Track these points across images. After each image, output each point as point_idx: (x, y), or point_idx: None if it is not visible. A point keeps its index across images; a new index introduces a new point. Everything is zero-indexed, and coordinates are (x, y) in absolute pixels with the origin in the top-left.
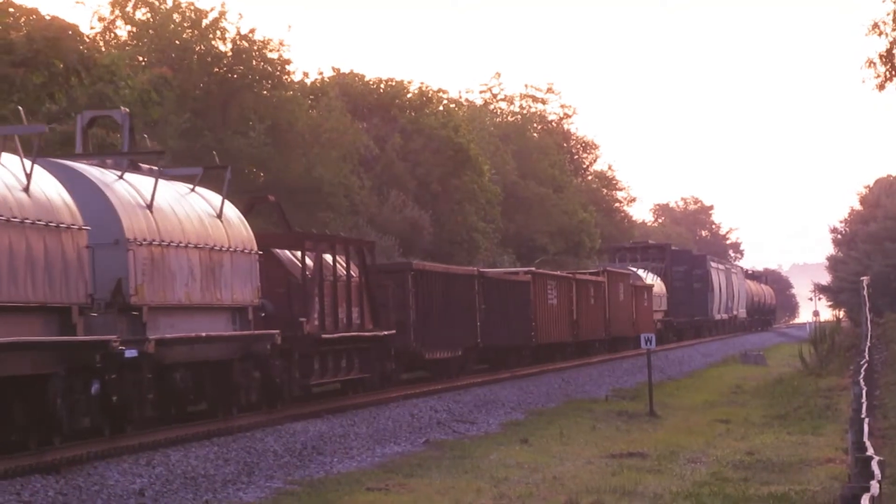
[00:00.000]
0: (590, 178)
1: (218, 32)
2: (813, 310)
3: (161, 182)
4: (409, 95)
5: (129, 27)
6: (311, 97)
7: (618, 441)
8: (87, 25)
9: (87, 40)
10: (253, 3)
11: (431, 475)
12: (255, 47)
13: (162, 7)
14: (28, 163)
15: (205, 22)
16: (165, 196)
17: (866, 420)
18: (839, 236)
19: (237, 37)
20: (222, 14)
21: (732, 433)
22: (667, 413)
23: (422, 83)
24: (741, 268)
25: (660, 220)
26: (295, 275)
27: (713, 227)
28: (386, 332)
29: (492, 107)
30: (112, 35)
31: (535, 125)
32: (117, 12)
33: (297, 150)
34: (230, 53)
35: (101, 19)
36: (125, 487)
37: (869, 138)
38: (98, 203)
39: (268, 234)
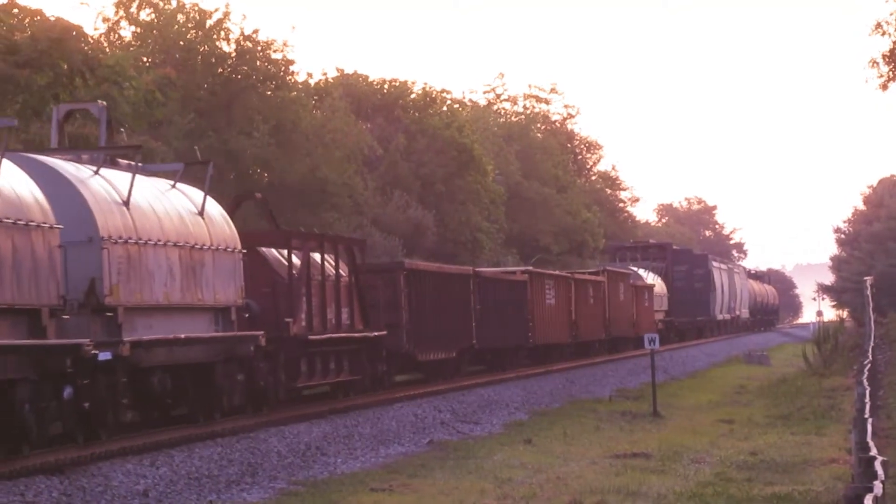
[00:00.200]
0: (593, 178)
1: (222, 33)
2: (816, 310)
3: (140, 178)
4: (412, 96)
5: (133, 28)
6: (315, 98)
7: (621, 441)
8: (92, 26)
9: (92, 41)
10: (257, 3)
11: (435, 475)
12: (259, 48)
13: (166, 8)
14: None
15: (209, 22)
16: (144, 192)
17: (870, 420)
18: (843, 236)
19: (241, 37)
20: (226, 15)
21: (736, 433)
22: (670, 413)
23: (425, 84)
24: (744, 267)
25: (663, 221)
26: (281, 274)
27: (717, 227)
28: (377, 333)
29: (495, 107)
30: (116, 36)
31: (538, 125)
32: (121, 13)
33: (301, 150)
34: (234, 54)
35: (105, 20)
36: (129, 488)
37: (872, 138)
38: (71, 200)
39: (253, 233)
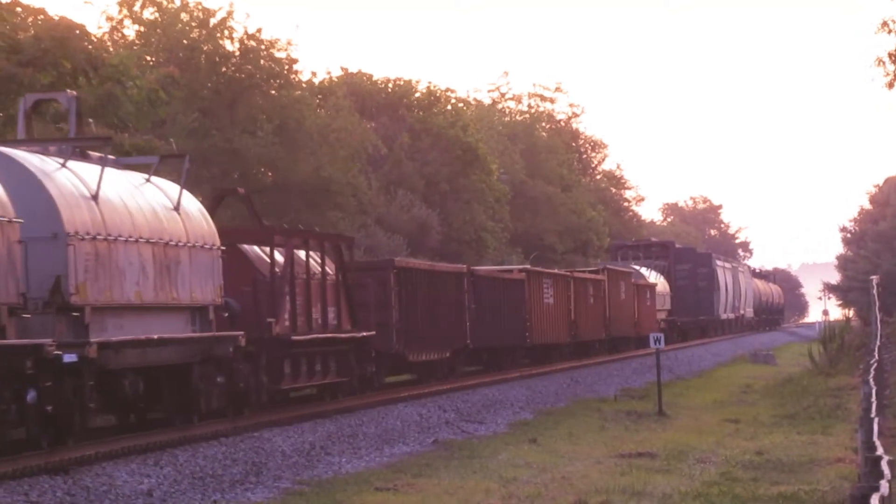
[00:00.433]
0: (598, 177)
1: (226, 32)
2: (822, 309)
3: (112, 171)
4: (417, 95)
5: (136, 27)
6: (319, 96)
7: (627, 441)
8: (95, 25)
9: (95, 40)
10: (260, 2)
11: (440, 475)
12: (263, 47)
13: (169, 7)
14: None
15: (212, 21)
16: (115, 186)
17: (876, 419)
18: (849, 235)
19: (245, 36)
20: (230, 13)
21: (742, 433)
22: (676, 413)
23: (430, 82)
24: (748, 266)
25: (669, 220)
26: (263, 272)
27: (722, 226)
28: (365, 334)
29: (500, 106)
30: (120, 35)
31: (543, 124)
32: (125, 12)
33: (305, 149)
34: (238, 53)
35: (108, 19)
36: (133, 488)
37: (878, 137)
38: (34, 193)
39: (234, 229)
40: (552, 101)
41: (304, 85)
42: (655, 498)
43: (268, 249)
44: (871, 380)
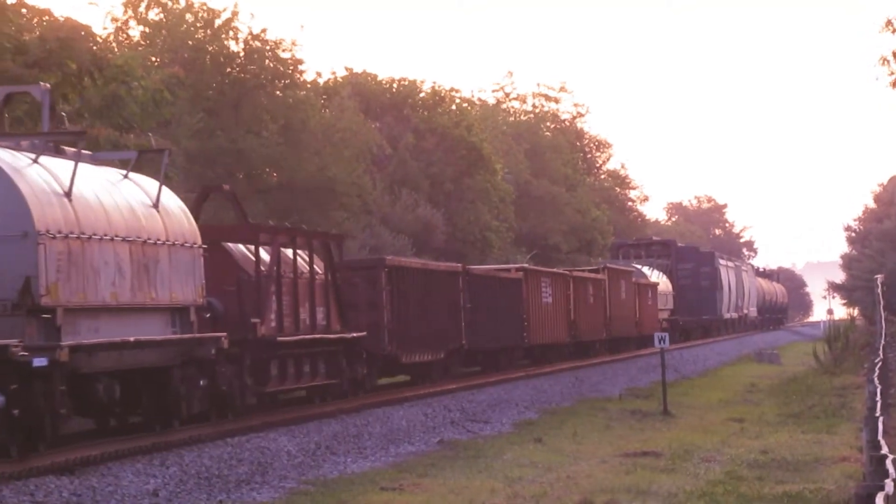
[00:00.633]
0: (603, 176)
1: (230, 32)
2: (827, 308)
3: (87, 167)
4: (421, 95)
5: (141, 28)
6: (324, 97)
7: (632, 440)
8: (100, 26)
9: (100, 41)
10: (265, 3)
11: (445, 475)
12: (268, 47)
13: (174, 7)
14: None
15: (217, 22)
16: (90, 183)
17: (881, 418)
18: (853, 234)
19: (250, 37)
20: (235, 14)
21: (747, 432)
22: (681, 412)
23: (434, 82)
24: (752, 265)
25: (673, 219)
26: (248, 271)
27: (727, 225)
28: (356, 334)
29: (504, 106)
30: (125, 35)
31: (547, 124)
32: (130, 13)
33: (310, 149)
34: (243, 53)
35: (113, 20)
36: (139, 488)
37: (882, 136)
38: (4, 190)
39: (217, 227)
40: (557, 100)
41: (308, 85)
42: (660, 497)
43: (253, 248)
44: (875, 379)
